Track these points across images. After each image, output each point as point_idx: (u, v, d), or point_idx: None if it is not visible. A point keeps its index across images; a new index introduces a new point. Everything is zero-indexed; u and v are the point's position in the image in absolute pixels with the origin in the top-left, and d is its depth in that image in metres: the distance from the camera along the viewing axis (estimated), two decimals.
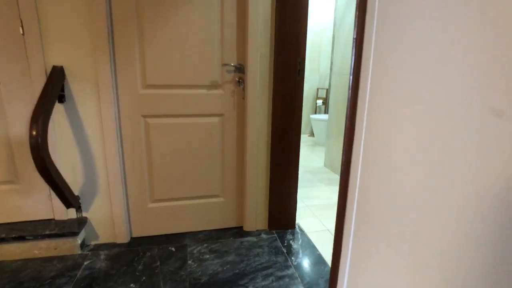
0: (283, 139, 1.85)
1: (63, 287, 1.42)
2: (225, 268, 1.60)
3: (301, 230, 2.03)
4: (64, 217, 1.70)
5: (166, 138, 1.77)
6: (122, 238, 1.80)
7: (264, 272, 1.57)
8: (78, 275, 1.50)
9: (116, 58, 1.59)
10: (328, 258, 1.73)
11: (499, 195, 0.53)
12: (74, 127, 1.60)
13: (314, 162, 3.67)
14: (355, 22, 0.96)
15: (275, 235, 1.95)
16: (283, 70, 1.75)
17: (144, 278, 1.51)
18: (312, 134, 5.19)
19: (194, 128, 1.79)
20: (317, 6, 4.71)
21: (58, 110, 1.56)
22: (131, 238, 1.86)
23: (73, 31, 1.49)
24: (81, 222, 1.69)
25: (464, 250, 0.60)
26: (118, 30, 1.56)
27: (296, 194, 1.99)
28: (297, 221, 2.12)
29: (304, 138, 5.02)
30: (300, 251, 1.78)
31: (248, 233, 1.95)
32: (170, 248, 1.77)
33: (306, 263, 1.68)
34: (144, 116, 1.71)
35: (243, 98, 1.81)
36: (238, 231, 1.97)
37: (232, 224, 2.01)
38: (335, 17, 3.42)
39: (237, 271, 1.58)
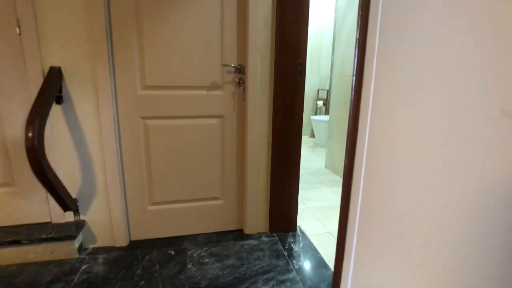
0: (283, 140, 1.83)
1: None
2: (225, 272, 1.57)
3: (302, 232, 2.00)
4: (62, 220, 1.67)
5: (165, 140, 1.74)
6: (121, 241, 1.77)
7: (265, 276, 1.55)
8: (75, 280, 1.48)
9: (114, 58, 1.56)
10: (330, 261, 1.70)
11: (506, 196, 0.51)
12: (72, 129, 1.57)
13: (315, 163, 3.65)
14: (358, 21, 0.93)
15: (276, 238, 1.92)
16: (283, 71, 1.73)
17: (142, 282, 1.48)
18: (312, 135, 5.16)
19: (193, 129, 1.76)
20: (317, 7, 4.70)
21: (56, 111, 1.53)
22: (130, 241, 1.83)
23: (71, 31, 1.46)
24: (79, 225, 1.67)
25: (469, 253, 0.58)
26: (116, 30, 1.54)
27: (297, 196, 1.97)
28: (298, 224, 2.09)
29: (305, 139, 5.00)
30: (302, 254, 1.76)
31: (248, 236, 1.92)
32: (169, 251, 1.74)
33: (307, 266, 1.65)
34: (143, 118, 1.68)
35: (244, 99, 1.78)
36: (239, 234, 1.95)
37: (232, 227, 1.98)
38: (335, 18, 3.41)
39: (237, 275, 1.55)
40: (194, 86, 1.70)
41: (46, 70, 1.45)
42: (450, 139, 0.61)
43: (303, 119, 4.63)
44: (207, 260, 1.67)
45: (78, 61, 1.50)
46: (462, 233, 0.59)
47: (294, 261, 1.69)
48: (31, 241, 1.55)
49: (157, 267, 1.60)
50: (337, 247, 1.15)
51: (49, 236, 1.56)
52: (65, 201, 1.44)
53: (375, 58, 0.85)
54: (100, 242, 1.76)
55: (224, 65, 1.72)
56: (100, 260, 1.64)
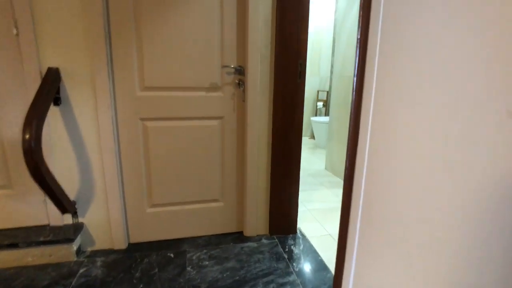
0: (284, 142, 1.82)
1: None
2: (225, 275, 1.55)
3: (302, 235, 1.99)
4: (60, 223, 1.65)
5: (165, 142, 1.73)
6: (120, 244, 1.75)
7: (265, 279, 1.53)
8: (73, 283, 1.46)
9: (113, 59, 1.55)
10: (330, 264, 1.69)
11: (508, 196, 0.50)
12: (70, 130, 1.56)
13: (315, 164, 3.63)
14: (359, 21, 0.92)
15: (276, 240, 1.91)
16: (283, 72, 1.71)
17: (141, 285, 1.46)
18: (312, 137, 5.15)
19: (193, 131, 1.75)
20: (317, 8, 4.69)
21: (54, 113, 1.52)
22: (129, 244, 1.82)
23: (69, 32, 1.45)
24: (77, 228, 1.65)
25: (471, 254, 0.57)
26: (115, 31, 1.52)
27: (298, 198, 1.95)
28: (298, 226, 2.08)
29: (305, 141, 4.99)
30: (302, 257, 1.74)
31: (248, 239, 1.91)
32: (168, 254, 1.73)
33: (308, 269, 1.64)
34: (142, 119, 1.67)
35: (243, 101, 1.77)
36: (238, 236, 1.93)
37: (232, 229, 1.97)
38: (335, 19, 3.40)
39: (237, 278, 1.54)
40: (193, 87, 1.69)
41: (44, 71, 1.44)
42: (451, 140, 0.60)
43: (303, 120, 4.63)
44: (207, 262, 1.66)
45: (77, 62, 1.49)
46: (464, 234, 0.59)
47: (294, 264, 1.67)
48: (29, 244, 1.53)
49: (156, 270, 1.58)
50: (338, 250, 1.13)
51: (47, 239, 1.54)
52: (63, 203, 1.43)
53: (376, 59, 0.84)
54: (99, 245, 1.75)
55: (224, 66, 1.71)
56: (99, 263, 1.62)
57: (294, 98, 1.77)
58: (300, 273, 1.60)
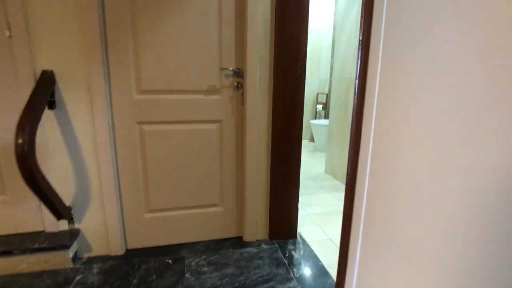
0: (283, 146, 1.79)
1: None
2: (224, 282, 1.52)
3: (302, 239, 1.96)
4: (55, 229, 1.62)
5: (162, 146, 1.70)
6: (117, 250, 1.72)
7: (265, 286, 1.50)
8: None
9: (109, 62, 1.53)
10: (331, 269, 1.66)
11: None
12: (66, 135, 1.53)
13: (315, 168, 3.61)
14: (361, 22, 0.90)
15: (276, 245, 1.87)
16: (283, 75, 1.69)
17: None
18: (312, 140, 5.13)
19: (191, 135, 1.72)
20: (316, 10, 4.68)
21: (49, 117, 1.49)
22: (126, 250, 1.78)
23: (64, 34, 1.42)
24: (73, 234, 1.62)
25: (476, 257, 0.56)
26: (111, 33, 1.50)
27: (298, 202, 1.92)
28: (298, 230, 2.05)
29: (304, 144, 4.97)
30: (302, 262, 1.71)
31: (248, 244, 1.88)
32: (167, 260, 1.70)
33: (308, 275, 1.61)
34: (139, 123, 1.64)
35: (242, 104, 1.75)
36: (238, 242, 1.90)
37: (231, 234, 1.94)
38: (335, 21, 3.39)
39: (236, 284, 1.51)
40: (191, 90, 1.66)
41: (38, 74, 1.41)
42: (457, 143, 0.58)
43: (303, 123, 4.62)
44: (206, 269, 1.62)
45: (72, 65, 1.46)
46: (468, 237, 0.57)
47: (294, 270, 1.64)
48: (23, 251, 1.50)
49: (154, 276, 1.55)
50: (339, 257, 1.10)
51: (42, 246, 1.51)
52: (59, 209, 1.40)
53: (379, 60, 0.81)
54: (96, 251, 1.71)
55: (222, 69, 1.68)
56: (95, 270, 1.59)
57: (294, 100, 1.74)
58: (300, 279, 1.57)
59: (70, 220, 1.63)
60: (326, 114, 4.89)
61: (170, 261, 1.68)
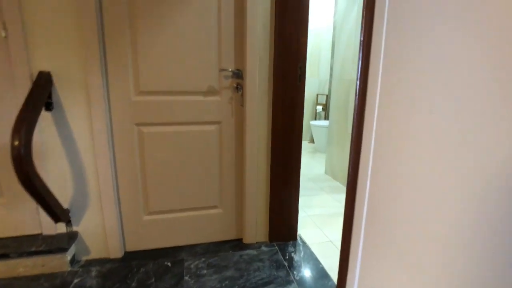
0: (283, 147, 1.78)
1: None
2: (223, 285, 1.51)
3: (303, 241, 1.94)
4: (53, 232, 1.60)
5: (161, 147, 1.68)
6: (115, 252, 1.70)
7: None
8: None
9: (107, 63, 1.51)
10: (331, 271, 1.65)
11: None
12: (63, 137, 1.51)
13: (315, 169, 3.59)
14: (362, 22, 0.88)
15: (276, 247, 1.86)
16: (283, 76, 1.68)
17: None
18: (312, 141, 5.12)
19: (190, 136, 1.71)
20: (316, 10, 4.67)
21: (46, 118, 1.47)
22: (125, 252, 1.76)
23: (61, 35, 1.41)
24: (71, 237, 1.60)
25: (479, 259, 0.55)
26: (109, 34, 1.49)
27: (298, 204, 1.91)
28: (298, 232, 2.03)
29: (304, 145, 4.95)
30: (302, 265, 1.69)
31: (247, 246, 1.86)
32: (166, 263, 1.68)
33: (309, 277, 1.59)
34: (138, 124, 1.63)
35: (242, 105, 1.73)
36: (238, 244, 1.88)
37: (231, 236, 1.92)
38: (334, 21, 3.38)
39: (236, 287, 1.49)
40: (190, 91, 1.65)
41: (35, 75, 1.39)
42: (460, 145, 0.57)
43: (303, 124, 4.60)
44: (205, 271, 1.61)
45: (69, 66, 1.44)
46: (471, 239, 0.56)
47: (294, 272, 1.63)
48: (20, 255, 1.48)
49: (153, 279, 1.53)
50: (340, 261, 1.09)
51: (39, 249, 1.49)
52: (56, 212, 1.38)
53: (381, 61, 0.80)
54: (94, 254, 1.70)
55: (222, 70, 1.67)
56: (94, 273, 1.57)
57: (294, 101, 1.73)
58: (300, 282, 1.55)
59: (68, 222, 1.61)
60: (326, 115, 4.88)
61: (169, 264, 1.67)
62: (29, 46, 1.38)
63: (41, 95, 1.30)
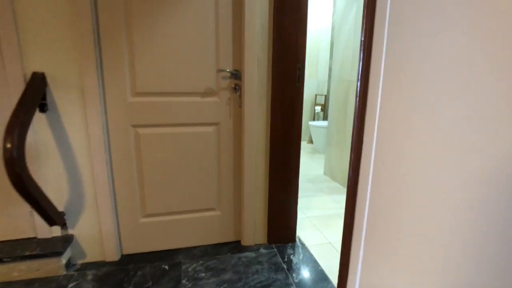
0: (282, 148, 1.76)
1: None
2: None
3: (302, 243, 1.92)
4: (48, 235, 1.58)
5: (158, 149, 1.66)
6: (112, 256, 1.68)
7: None
8: None
9: (103, 64, 1.48)
10: (330, 274, 1.63)
11: None
12: (58, 138, 1.49)
13: (314, 170, 3.57)
14: (362, 22, 0.86)
15: (275, 249, 1.84)
16: (282, 77, 1.66)
17: None
18: (310, 141, 5.10)
19: (187, 138, 1.68)
20: (315, 10, 4.65)
21: (40, 120, 1.45)
22: (122, 255, 1.74)
23: (55, 34, 1.38)
24: (67, 240, 1.57)
25: (482, 263, 0.54)
26: (105, 34, 1.46)
27: (297, 206, 1.89)
28: (297, 234, 2.01)
29: (303, 145, 4.94)
30: (302, 267, 1.68)
31: (246, 248, 1.84)
32: (163, 266, 1.66)
33: (308, 280, 1.57)
34: (134, 126, 1.60)
35: (240, 106, 1.71)
36: (236, 246, 1.86)
37: (229, 238, 1.90)
38: (333, 21, 3.36)
39: None
40: (187, 92, 1.63)
41: (29, 76, 1.36)
42: (464, 148, 0.56)
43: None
44: (203, 274, 1.59)
45: (64, 66, 1.42)
46: (472, 240, 0.56)
47: (294, 275, 1.61)
48: (14, 259, 1.45)
49: (150, 283, 1.51)
50: (340, 265, 1.07)
51: (34, 252, 1.46)
52: (51, 215, 1.35)
53: (382, 62, 0.78)
54: (90, 257, 1.67)
55: (219, 70, 1.64)
56: (90, 277, 1.55)
57: (293, 102, 1.71)
58: (300, 285, 1.53)
59: (63, 226, 1.59)
60: (324, 115, 4.86)
61: (166, 267, 1.65)
62: (23, 46, 1.35)
63: (35, 96, 1.27)
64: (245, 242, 1.86)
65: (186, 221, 1.80)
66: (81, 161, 1.54)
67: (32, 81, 1.30)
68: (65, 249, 1.53)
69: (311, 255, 1.80)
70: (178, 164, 1.71)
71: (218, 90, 1.67)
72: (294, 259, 1.75)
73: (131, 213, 1.70)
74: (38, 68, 1.39)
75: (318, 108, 4.95)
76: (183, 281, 1.53)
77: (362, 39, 0.85)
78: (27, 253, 1.46)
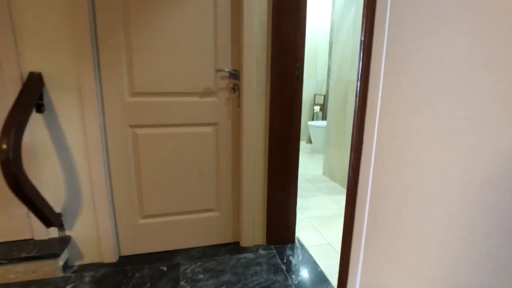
0: (281, 149, 1.75)
1: None
2: None
3: (301, 244, 1.91)
4: (45, 237, 1.56)
5: (156, 150, 1.65)
6: (110, 257, 1.67)
7: None
8: None
9: (100, 63, 1.47)
10: (330, 275, 1.62)
11: None
12: (55, 139, 1.47)
13: (312, 170, 3.57)
14: (362, 22, 0.86)
15: (274, 251, 1.83)
16: (280, 77, 1.65)
17: None
18: (309, 141, 5.10)
19: (186, 138, 1.67)
20: (314, 10, 4.65)
21: (37, 120, 1.43)
22: (120, 257, 1.73)
23: (52, 34, 1.37)
24: (64, 241, 1.56)
25: (484, 268, 0.53)
26: (103, 34, 1.45)
27: (296, 206, 1.88)
28: (296, 235, 2.00)
29: (302, 145, 4.93)
30: (301, 268, 1.67)
31: (245, 249, 1.83)
32: (161, 267, 1.64)
33: (307, 281, 1.57)
34: (132, 126, 1.59)
35: (238, 106, 1.70)
36: (235, 247, 1.85)
37: (228, 239, 1.89)
38: (332, 21, 3.35)
39: None
40: (186, 92, 1.61)
41: (25, 76, 1.35)
42: (464, 152, 0.55)
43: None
44: (201, 276, 1.58)
45: (61, 66, 1.40)
46: (472, 240, 0.55)
47: (293, 276, 1.60)
48: (11, 261, 1.43)
49: (148, 285, 1.50)
50: (340, 267, 1.06)
51: (30, 254, 1.45)
52: (48, 216, 1.34)
53: (382, 62, 0.77)
54: (88, 259, 1.66)
55: (218, 70, 1.63)
56: (87, 279, 1.53)
57: (292, 102, 1.70)
58: (299, 286, 1.52)
59: (61, 227, 1.57)
60: (323, 115, 4.86)
61: (164, 268, 1.63)
62: (19, 46, 1.33)
63: (32, 96, 1.26)
64: (244, 243, 1.85)
65: (185, 222, 1.79)
66: (78, 162, 1.53)
67: (29, 81, 1.29)
68: (62, 250, 1.52)
69: (310, 256, 1.79)
70: (176, 164, 1.69)
71: (216, 90, 1.66)
72: (293, 260, 1.74)
73: (129, 214, 1.69)
74: (35, 68, 1.37)
75: (317, 108, 4.94)
76: (182, 283, 1.52)
77: (362, 38, 0.85)
78: (24, 255, 1.45)
